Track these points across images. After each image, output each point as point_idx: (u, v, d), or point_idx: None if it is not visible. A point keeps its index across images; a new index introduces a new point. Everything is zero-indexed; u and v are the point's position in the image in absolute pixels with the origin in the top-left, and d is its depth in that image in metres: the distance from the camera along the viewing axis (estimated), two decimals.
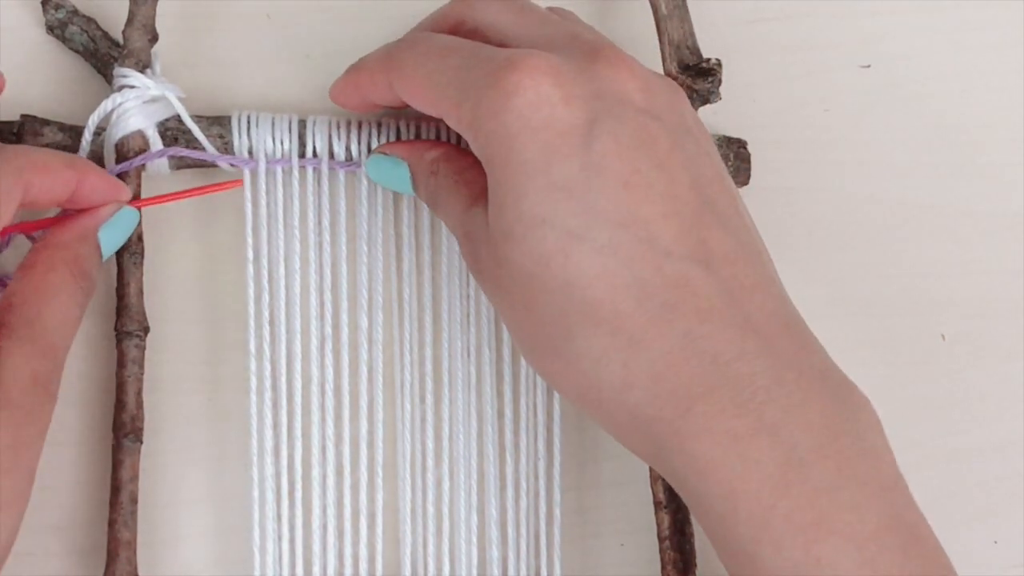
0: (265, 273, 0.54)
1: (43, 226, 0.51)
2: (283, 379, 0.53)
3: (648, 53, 0.56)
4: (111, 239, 0.51)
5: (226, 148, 0.54)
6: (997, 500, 0.60)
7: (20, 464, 0.45)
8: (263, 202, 0.54)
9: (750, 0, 0.61)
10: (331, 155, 0.54)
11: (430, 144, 0.54)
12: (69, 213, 0.51)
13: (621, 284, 0.45)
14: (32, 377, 0.46)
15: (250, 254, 0.53)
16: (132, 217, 0.52)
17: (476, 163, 0.49)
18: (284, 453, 0.53)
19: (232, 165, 0.54)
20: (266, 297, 0.53)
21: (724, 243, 0.46)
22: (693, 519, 0.54)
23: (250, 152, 0.54)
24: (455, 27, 0.52)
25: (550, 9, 0.53)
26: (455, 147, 0.53)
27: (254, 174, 0.54)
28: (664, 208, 0.46)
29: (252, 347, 0.53)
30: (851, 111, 0.62)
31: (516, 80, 0.46)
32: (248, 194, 0.54)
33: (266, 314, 0.53)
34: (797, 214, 0.61)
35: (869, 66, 0.62)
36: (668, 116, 0.47)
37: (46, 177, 0.48)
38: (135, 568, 0.51)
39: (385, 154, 0.54)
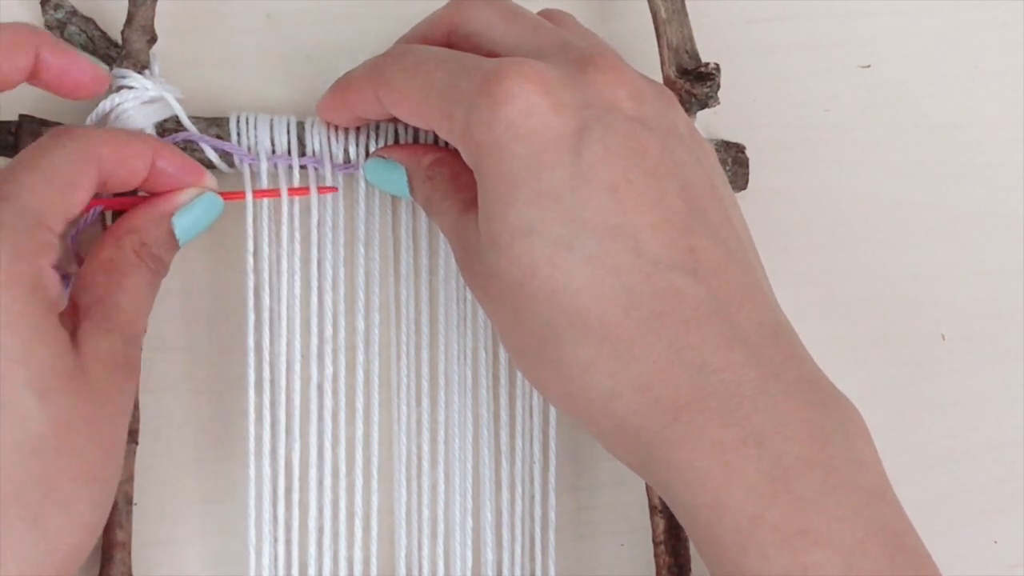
0: (265, 275, 0.53)
1: (125, 204, 0.50)
2: (280, 380, 0.53)
3: (647, 56, 0.56)
4: (188, 225, 0.50)
5: (225, 150, 0.54)
6: (997, 500, 0.60)
7: (97, 439, 0.45)
8: (262, 203, 0.54)
9: (750, 0, 0.61)
10: (330, 157, 0.54)
11: (427, 148, 0.53)
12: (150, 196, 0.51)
13: (608, 293, 0.45)
14: (111, 355, 0.46)
15: (250, 253, 0.53)
16: (213, 204, 0.51)
17: (471, 169, 0.48)
18: (281, 454, 0.53)
19: (230, 165, 0.54)
20: (264, 299, 0.53)
21: (713, 252, 0.46)
22: None
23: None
24: (447, 34, 0.51)
25: (547, 12, 0.53)
26: (452, 152, 0.53)
27: (253, 174, 0.54)
28: (653, 217, 0.45)
29: (250, 347, 0.53)
30: (851, 111, 0.62)
31: (506, 89, 0.46)
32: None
33: (265, 315, 0.53)
34: (797, 214, 0.60)
35: (869, 66, 0.62)
36: (659, 124, 0.47)
37: (118, 149, 0.48)
38: (129, 569, 0.51)
39: (383, 157, 0.54)
